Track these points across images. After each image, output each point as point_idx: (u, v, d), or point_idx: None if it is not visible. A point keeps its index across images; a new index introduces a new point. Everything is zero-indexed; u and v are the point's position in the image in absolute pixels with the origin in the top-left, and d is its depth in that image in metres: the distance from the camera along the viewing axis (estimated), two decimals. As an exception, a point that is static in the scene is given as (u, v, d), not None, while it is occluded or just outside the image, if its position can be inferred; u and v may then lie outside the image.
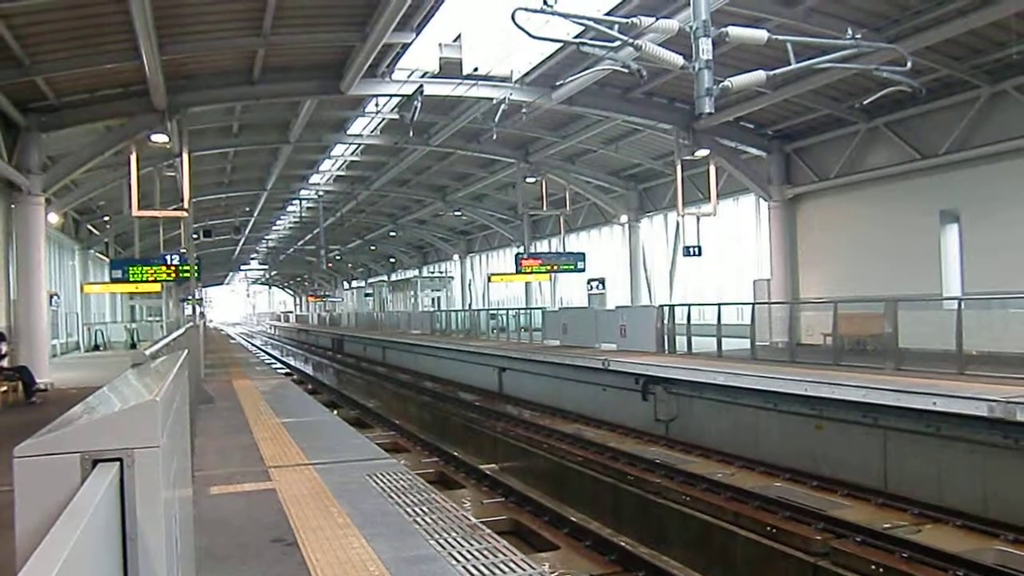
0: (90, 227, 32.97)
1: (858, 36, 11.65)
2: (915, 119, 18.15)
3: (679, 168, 21.28)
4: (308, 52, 17.19)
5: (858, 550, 7.77)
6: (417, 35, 15.81)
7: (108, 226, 33.45)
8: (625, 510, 10.79)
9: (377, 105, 22.48)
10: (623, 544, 8.92)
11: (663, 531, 9.93)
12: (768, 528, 8.62)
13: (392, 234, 48.08)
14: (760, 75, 11.25)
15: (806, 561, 7.87)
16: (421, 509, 6.18)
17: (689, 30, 10.34)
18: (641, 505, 10.50)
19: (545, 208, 28.61)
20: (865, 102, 16.37)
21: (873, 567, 7.40)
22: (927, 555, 7.47)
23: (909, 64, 12.31)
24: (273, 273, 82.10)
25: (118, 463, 1.91)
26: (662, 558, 9.13)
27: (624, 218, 29.57)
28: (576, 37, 12.76)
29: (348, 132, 25.29)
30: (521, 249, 33.36)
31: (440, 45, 17.55)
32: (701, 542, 9.27)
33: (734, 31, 10.61)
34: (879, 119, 18.95)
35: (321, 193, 36.68)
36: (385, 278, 60.74)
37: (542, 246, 36.90)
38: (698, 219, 23.24)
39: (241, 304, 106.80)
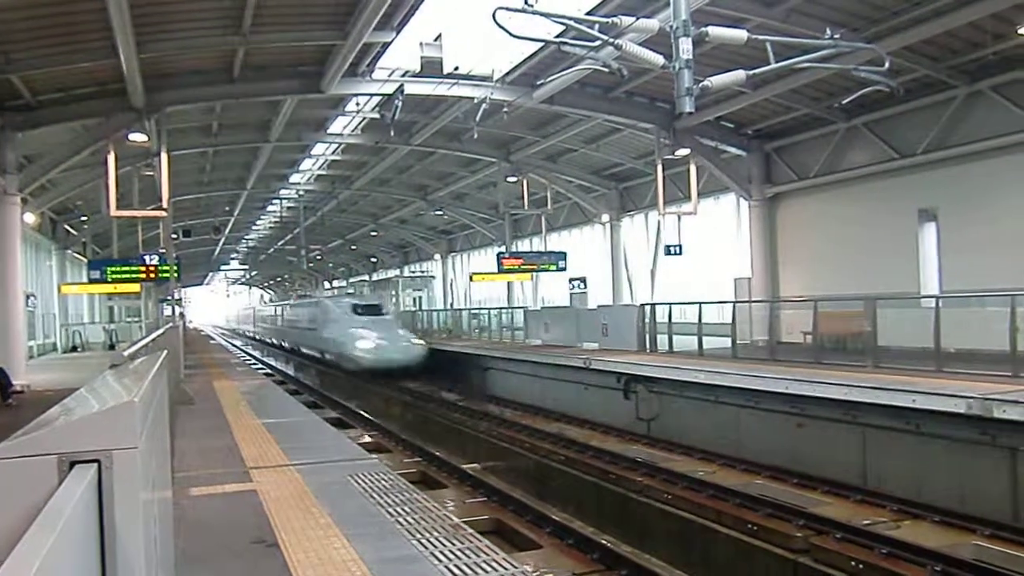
0: (67, 227, 32.63)
1: (837, 36, 11.72)
2: (893, 119, 18.32)
3: (660, 167, 21.36)
4: (288, 51, 17.11)
5: (838, 547, 7.83)
6: (397, 34, 15.78)
7: (86, 226, 33.12)
8: (608, 509, 10.81)
9: (358, 104, 22.40)
10: (605, 543, 8.94)
11: (645, 529, 9.96)
12: (749, 525, 8.67)
13: (373, 234, 47.89)
14: (740, 75, 11.31)
15: (786, 558, 7.92)
16: (403, 509, 6.17)
17: (669, 30, 10.38)
18: (623, 503, 10.53)
19: (526, 207, 28.63)
20: (844, 102, 16.49)
21: (853, 563, 7.46)
22: (906, 551, 7.54)
23: (887, 64, 12.41)
24: (254, 273, 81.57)
25: (96, 465, 1.89)
26: (644, 556, 9.16)
27: (605, 217, 29.64)
28: (557, 36, 12.78)
29: (329, 131, 25.18)
30: (503, 248, 33.38)
31: (421, 44, 17.52)
32: (683, 540, 9.30)
33: (714, 31, 10.66)
34: (858, 119, 19.11)
35: (302, 193, 36.50)
36: (366, 278, 60.50)
37: (523, 245, 36.92)
38: (679, 218, 23.35)
39: (221, 304, 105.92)
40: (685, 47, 10.21)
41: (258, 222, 47.53)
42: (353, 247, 54.07)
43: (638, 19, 10.75)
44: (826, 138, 20.32)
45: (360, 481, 7.15)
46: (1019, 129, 15.51)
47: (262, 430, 10.27)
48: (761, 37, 11.42)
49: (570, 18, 11.29)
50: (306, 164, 31.48)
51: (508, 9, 10.22)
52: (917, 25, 14.32)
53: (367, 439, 15.75)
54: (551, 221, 32.16)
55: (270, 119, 22.45)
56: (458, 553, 5.09)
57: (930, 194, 17.64)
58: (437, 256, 47.38)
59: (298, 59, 17.50)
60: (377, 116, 21.90)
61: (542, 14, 10.65)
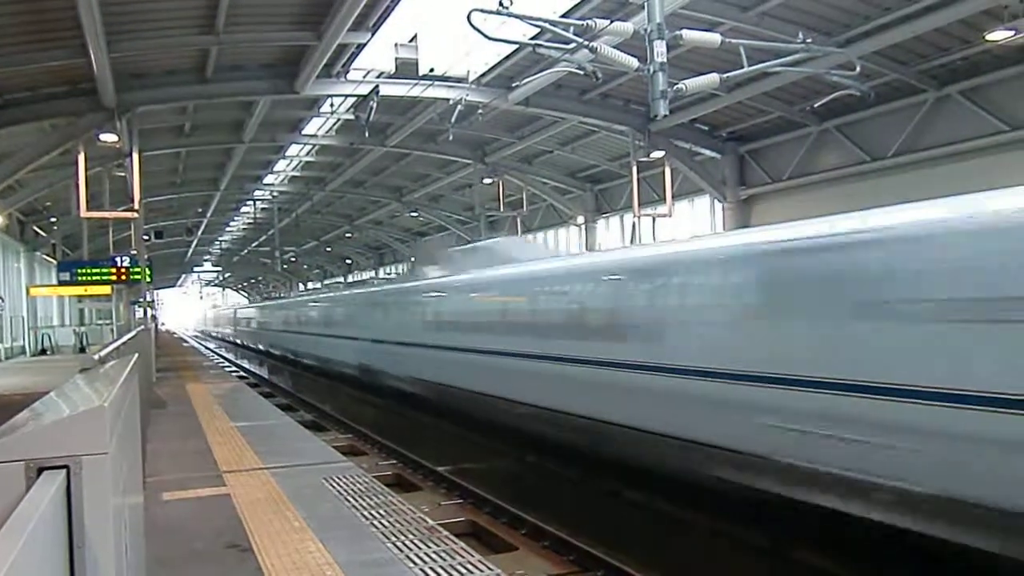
0: (36, 228, 32.18)
1: (809, 40, 11.85)
2: (865, 122, 18.54)
3: (635, 169, 21.47)
4: (262, 51, 17.00)
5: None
6: (372, 35, 15.71)
7: (55, 227, 32.66)
8: (583, 509, 10.82)
9: (332, 105, 22.30)
10: (581, 544, 8.94)
11: (622, 530, 9.98)
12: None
13: (348, 235, 47.71)
14: (714, 78, 11.38)
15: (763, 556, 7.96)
16: (378, 512, 6.15)
17: (644, 33, 10.43)
18: (599, 504, 10.55)
19: (502, 209, 28.64)
20: (816, 105, 16.65)
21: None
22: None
23: (858, 68, 12.56)
24: (227, 275, 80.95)
25: (65, 471, 1.86)
26: (620, 557, 9.18)
27: (581, 219, 29.72)
28: (532, 39, 12.79)
29: (303, 132, 25.03)
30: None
31: (396, 45, 17.48)
32: (659, 540, 9.33)
33: (688, 34, 10.72)
34: (830, 122, 19.32)
35: (276, 194, 36.26)
36: (341, 280, 60.26)
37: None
38: (654, 220, 23.46)
39: (194, 306, 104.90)
40: (659, 50, 10.27)
41: (231, 224, 47.17)
42: (328, 249, 53.84)
43: (613, 22, 10.78)
44: (799, 141, 20.52)
45: (335, 484, 7.12)
46: (986, 133, 15.78)
47: (235, 433, 10.19)
48: (735, 41, 11.51)
49: (545, 20, 11.32)
50: (280, 165, 31.29)
51: (483, 11, 10.22)
52: (887, 30, 14.50)
53: (342, 442, 15.66)
54: (527, 223, 32.21)
55: (243, 120, 22.28)
56: (433, 556, 5.08)
57: (901, 196, 17.78)
58: (413, 258, 47.25)
59: (272, 59, 17.39)
60: (352, 117, 21.82)
61: (517, 16, 10.67)
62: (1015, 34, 13.51)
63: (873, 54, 15.00)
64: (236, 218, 44.86)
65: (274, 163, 30.74)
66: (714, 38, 11.08)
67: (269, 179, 33.62)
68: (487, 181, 28.01)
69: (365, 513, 6.13)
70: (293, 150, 28.67)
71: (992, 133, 15.73)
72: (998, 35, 13.85)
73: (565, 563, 8.48)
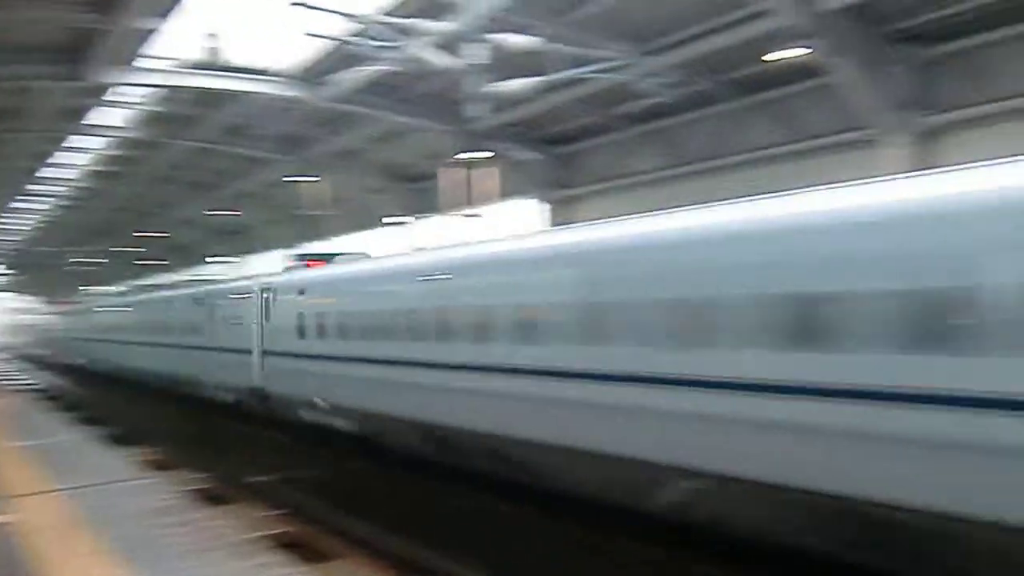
0: None
1: (622, 49, 12.34)
2: (675, 128, 19.47)
3: (448, 169, 21.58)
4: (41, 32, 15.51)
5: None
6: (167, 20, 14.65)
7: None
8: (408, 513, 10.69)
9: (129, 95, 20.80)
10: (404, 550, 8.82)
11: (449, 531, 9.93)
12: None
13: (154, 234, 44.83)
14: (531, 81, 11.65)
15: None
16: (186, 529, 5.78)
17: (461, 35, 10.50)
18: (425, 507, 10.46)
19: (318, 207, 27.94)
20: (630, 110, 17.29)
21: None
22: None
23: (668, 77, 13.18)
24: (18, 277, 73.90)
25: None
26: (445, 559, 9.13)
27: (399, 218, 29.45)
28: (351, 35, 12.56)
29: (98, 123, 23.21)
30: (295, 251, 32.37)
31: (202, 35, 16.63)
32: (486, 539, 9.36)
33: (505, 38, 10.90)
34: (644, 126, 20.10)
35: (69, 189, 33.50)
36: (147, 281, 56.57)
37: (316, 247, 35.94)
38: (470, 220, 23.66)
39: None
40: (476, 52, 10.38)
41: (19, 222, 43.05)
42: (132, 248, 50.41)
43: (431, 23, 10.78)
44: (614, 144, 21.31)
45: (137, 502, 6.64)
46: (784, 141, 16.97)
47: (22, 454, 9.30)
48: (552, 46, 11.81)
49: (365, 18, 11.14)
50: (72, 158, 28.82)
51: (302, 4, 9.94)
52: (695, 41, 15.17)
53: (149, 456, 14.63)
54: (344, 222, 31.56)
55: (27, 106, 20.29)
56: (248, 571, 4.83)
57: (711, 199, 18.83)
58: (229, 258, 45.11)
59: (55, 42, 15.88)
60: (155, 109, 20.52)
61: (338, 12, 10.45)
62: (797, 54, 14.53)
63: (683, 63, 15.69)
64: (26, 216, 40.99)
65: (61, 155, 28.22)
66: (531, 42, 11.35)
67: (61, 173, 30.97)
68: (302, 179, 27.23)
69: (171, 531, 5.74)
70: (88, 142, 26.52)
71: (787, 142, 16.95)
72: (777, 55, 14.89)
73: (388, 567, 8.32)
